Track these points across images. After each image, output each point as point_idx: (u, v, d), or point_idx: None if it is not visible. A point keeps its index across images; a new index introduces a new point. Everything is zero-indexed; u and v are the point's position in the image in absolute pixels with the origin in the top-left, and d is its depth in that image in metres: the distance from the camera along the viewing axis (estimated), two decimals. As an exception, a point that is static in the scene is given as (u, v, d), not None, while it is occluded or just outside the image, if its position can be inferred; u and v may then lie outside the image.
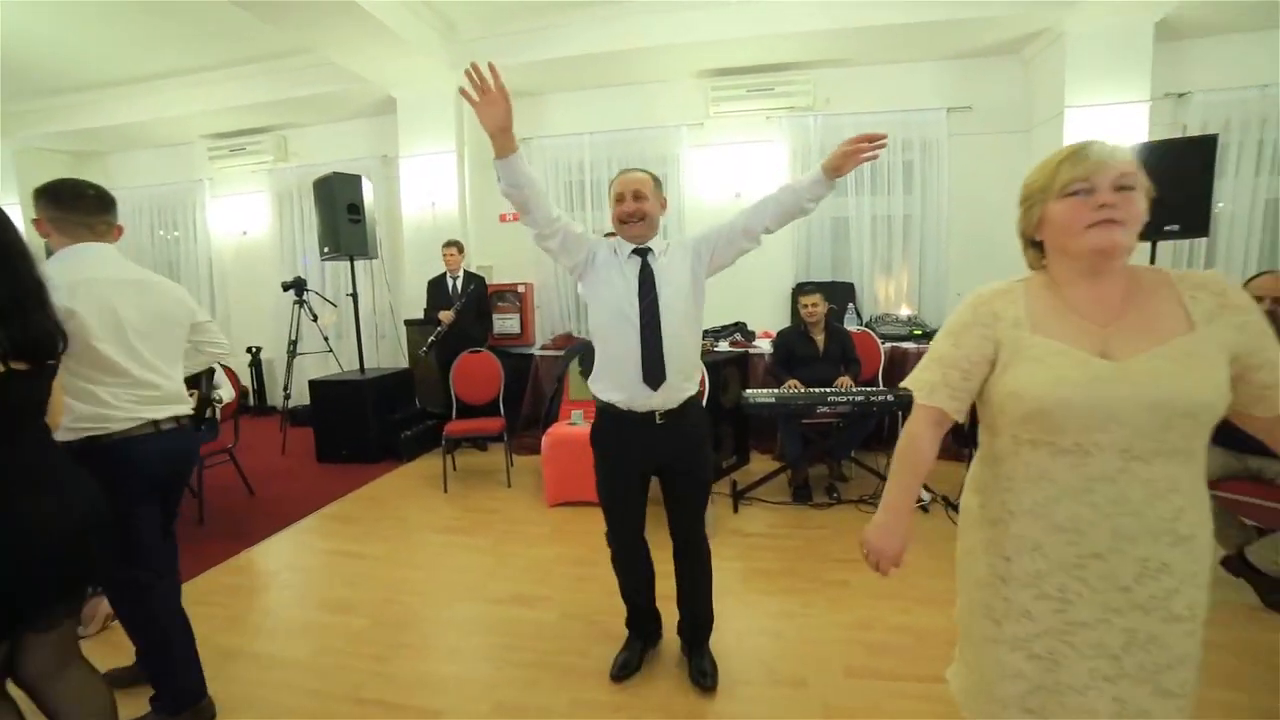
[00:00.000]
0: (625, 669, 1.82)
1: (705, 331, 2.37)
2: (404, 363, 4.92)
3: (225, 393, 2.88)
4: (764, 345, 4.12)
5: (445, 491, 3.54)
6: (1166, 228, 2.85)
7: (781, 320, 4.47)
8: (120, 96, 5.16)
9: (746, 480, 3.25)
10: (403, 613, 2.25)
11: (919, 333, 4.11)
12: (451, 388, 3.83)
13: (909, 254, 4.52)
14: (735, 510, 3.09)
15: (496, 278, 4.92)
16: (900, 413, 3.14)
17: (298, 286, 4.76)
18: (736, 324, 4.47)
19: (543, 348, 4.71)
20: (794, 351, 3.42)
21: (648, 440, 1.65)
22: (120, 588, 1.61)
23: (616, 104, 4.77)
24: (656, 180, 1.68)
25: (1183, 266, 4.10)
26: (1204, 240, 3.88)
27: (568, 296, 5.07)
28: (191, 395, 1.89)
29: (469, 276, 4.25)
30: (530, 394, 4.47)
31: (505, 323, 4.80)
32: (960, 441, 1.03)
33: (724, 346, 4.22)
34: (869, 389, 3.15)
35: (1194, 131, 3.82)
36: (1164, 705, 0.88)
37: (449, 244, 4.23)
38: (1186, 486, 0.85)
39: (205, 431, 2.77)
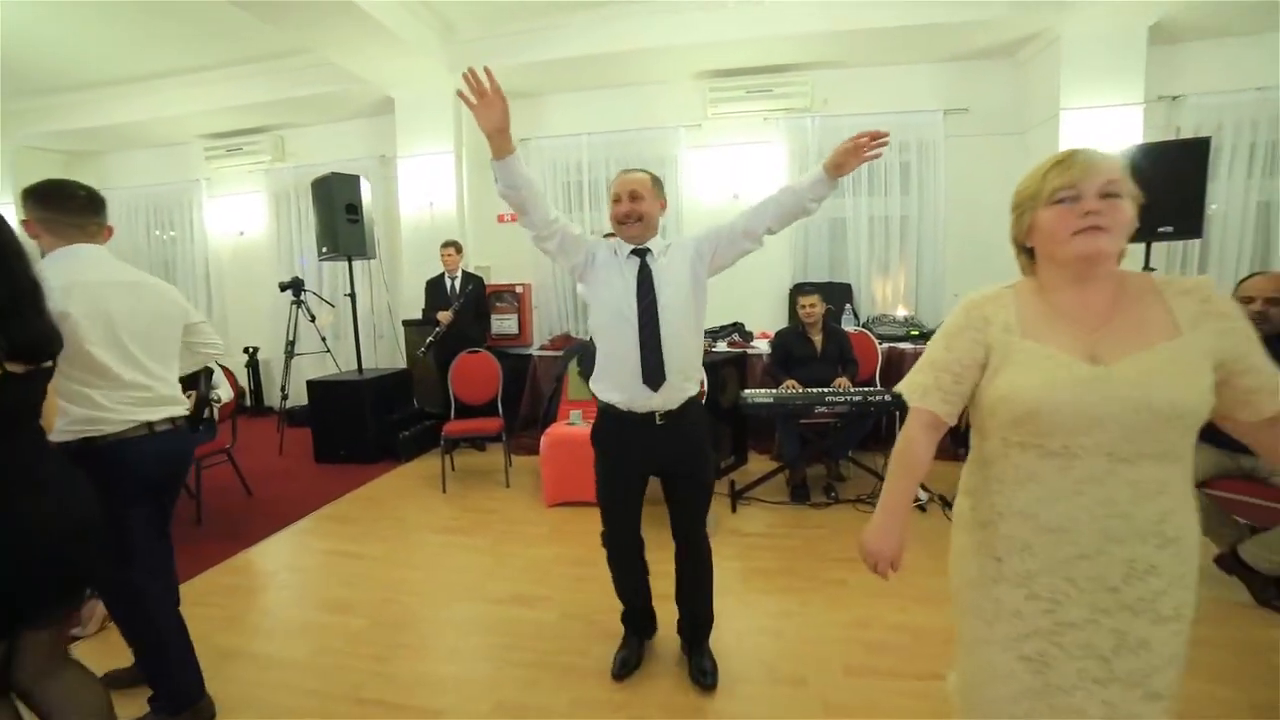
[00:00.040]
0: (626, 666, 1.83)
1: (703, 332, 2.38)
2: (402, 363, 4.92)
3: (224, 393, 2.87)
4: (762, 346, 4.13)
5: (444, 492, 3.54)
6: (1160, 229, 2.87)
7: (779, 321, 4.49)
8: (117, 96, 5.14)
9: (745, 480, 3.26)
10: (402, 613, 2.25)
11: (916, 333, 4.13)
12: (450, 388, 3.83)
13: (906, 255, 4.55)
14: (733, 510, 3.10)
15: (494, 278, 4.92)
16: (898, 413, 3.16)
17: (295, 287, 4.75)
18: (734, 324, 4.49)
19: (541, 348, 4.71)
20: (792, 352, 3.44)
21: (648, 441, 1.65)
22: (115, 589, 1.60)
23: (615, 105, 4.78)
24: (656, 180, 1.68)
25: (1176, 267, 4.13)
26: (1197, 242, 3.91)
27: (566, 297, 5.07)
28: (189, 396, 1.89)
29: (467, 277, 4.25)
30: (528, 394, 4.48)
31: (503, 323, 4.81)
32: (958, 442, 1.04)
33: (722, 347, 4.24)
34: (866, 389, 3.17)
35: (1187, 134, 3.85)
36: (1152, 708, 0.89)
37: (447, 244, 4.23)
38: (1173, 488, 0.87)
39: (203, 432, 2.76)
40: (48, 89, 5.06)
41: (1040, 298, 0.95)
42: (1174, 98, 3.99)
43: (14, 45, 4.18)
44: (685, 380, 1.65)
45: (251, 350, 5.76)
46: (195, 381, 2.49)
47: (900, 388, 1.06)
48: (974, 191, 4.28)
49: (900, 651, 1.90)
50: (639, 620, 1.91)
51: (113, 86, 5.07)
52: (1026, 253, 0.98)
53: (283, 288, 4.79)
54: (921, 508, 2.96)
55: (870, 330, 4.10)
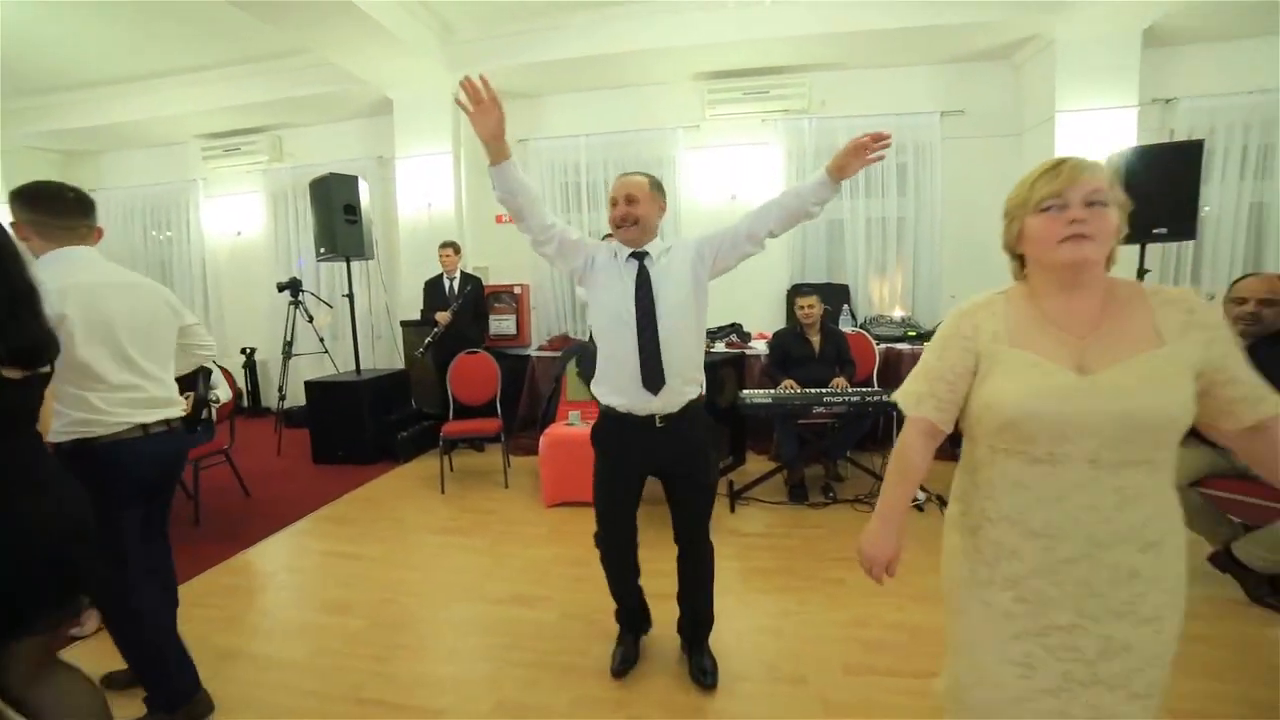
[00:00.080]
0: (625, 663, 1.84)
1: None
2: (400, 364, 4.91)
3: (223, 393, 2.87)
4: (760, 346, 4.15)
5: (442, 492, 3.54)
6: (1155, 230, 2.90)
7: (777, 321, 4.50)
8: (114, 95, 5.12)
9: (743, 480, 3.27)
10: (401, 613, 2.26)
11: (913, 334, 4.15)
12: (448, 389, 3.83)
13: (903, 256, 4.57)
14: (732, 510, 3.11)
15: (493, 279, 4.92)
16: (895, 413, 3.17)
17: (293, 287, 4.74)
18: (732, 325, 4.50)
19: (539, 348, 4.71)
20: (790, 352, 3.45)
21: (648, 444, 1.66)
22: (108, 590, 1.58)
23: (613, 106, 4.79)
24: (655, 184, 1.68)
25: (1171, 268, 4.17)
26: (1191, 243, 3.94)
27: (564, 298, 5.08)
28: (186, 397, 1.89)
29: (465, 277, 4.26)
30: (527, 395, 4.48)
31: (501, 324, 4.81)
32: (956, 443, 1.06)
33: (720, 347, 4.25)
34: (864, 389, 3.18)
35: (1181, 136, 3.88)
36: (1135, 707, 0.91)
37: (445, 245, 4.23)
38: (1155, 493, 0.88)
39: (202, 433, 2.75)
40: (44, 88, 5.04)
41: (1031, 303, 0.96)
42: (1168, 101, 4.03)
43: (11, 44, 4.16)
44: (685, 384, 1.65)
45: (249, 351, 5.75)
46: (193, 382, 2.48)
47: (896, 396, 1.08)
48: (970, 193, 4.30)
49: (898, 650, 1.91)
50: (633, 618, 1.92)
51: (110, 86, 5.06)
52: (1018, 259, 1.00)
53: (280, 288, 4.78)
54: (919, 508, 2.97)
55: (868, 331, 4.12)
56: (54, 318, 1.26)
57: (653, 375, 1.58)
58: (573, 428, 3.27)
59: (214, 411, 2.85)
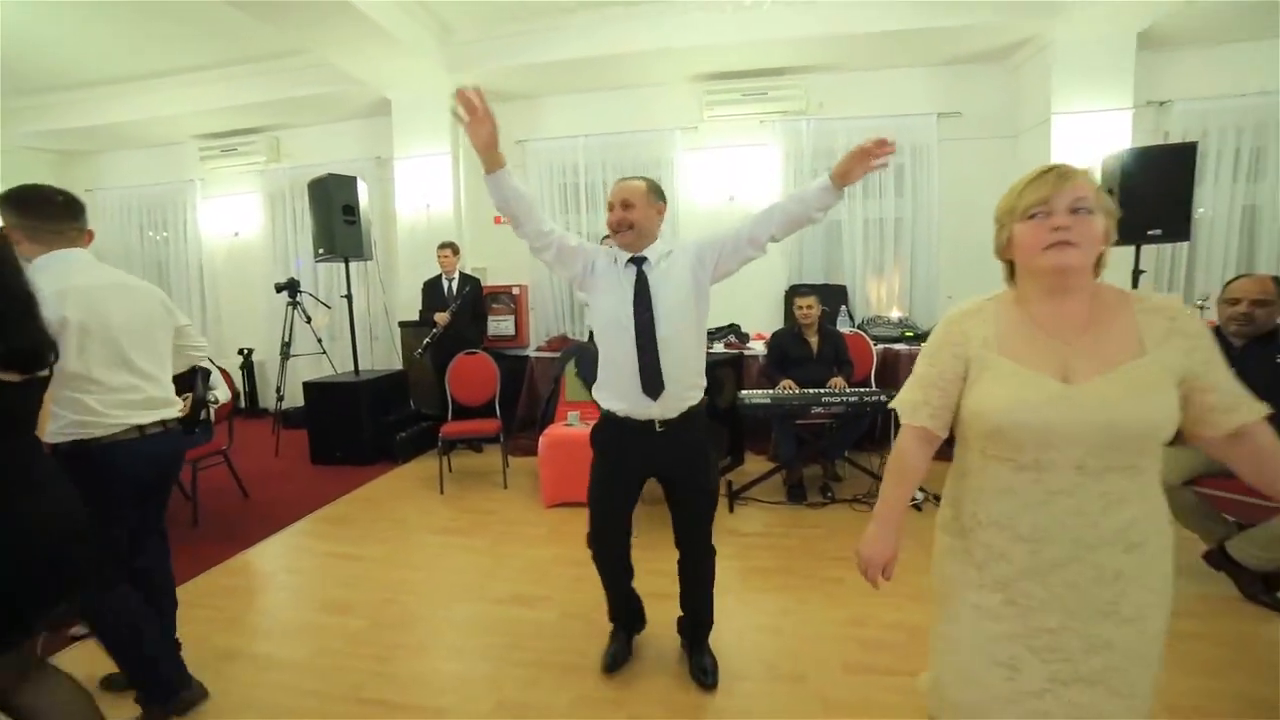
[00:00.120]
0: (616, 660, 1.85)
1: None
2: (398, 364, 4.90)
3: (221, 393, 2.86)
4: (758, 347, 4.16)
5: (441, 493, 3.54)
6: (1150, 232, 2.93)
7: (775, 322, 4.51)
8: (111, 95, 5.10)
9: (742, 480, 3.28)
10: (401, 613, 2.26)
11: (910, 334, 4.17)
12: (447, 389, 3.83)
13: (900, 257, 4.59)
14: (731, 510, 3.12)
15: (491, 279, 4.92)
16: (892, 413, 3.19)
17: (291, 288, 4.73)
18: (731, 326, 4.51)
19: (538, 349, 4.72)
20: (788, 353, 3.46)
21: (647, 448, 1.66)
22: (100, 590, 1.57)
23: (611, 107, 4.80)
24: (653, 188, 1.68)
25: (1165, 269, 4.20)
26: (1185, 244, 3.97)
27: (563, 299, 5.08)
28: (185, 398, 1.89)
29: (464, 278, 4.26)
30: (525, 395, 4.48)
31: (500, 324, 4.81)
32: (954, 444, 1.08)
33: (719, 348, 4.26)
34: (862, 390, 3.20)
35: (1175, 139, 3.91)
36: (1115, 705, 0.92)
37: (444, 246, 4.23)
38: (1138, 497, 0.90)
39: (200, 433, 2.75)
40: (42, 88, 5.02)
41: (1020, 309, 0.98)
42: (1162, 103, 4.06)
43: (10, 44, 4.15)
44: (686, 388, 1.65)
45: (246, 352, 5.73)
46: (191, 383, 2.48)
47: (894, 405, 1.10)
48: (967, 194, 4.32)
49: (896, 649, 1.92)
50: (626, 617, 1.92)
51: (107, 86, 5.04)
52: (1008, 265, 1.02)
53: (279, 289, 4.77)
54: (918, 507, 2.98)
55: (865, 332, 4.14)
56: (54, 321, 1.26)
57: (652, 381, 1.59)
58: (572, 428, 3.28)
59: (212, 412, 2.85)
